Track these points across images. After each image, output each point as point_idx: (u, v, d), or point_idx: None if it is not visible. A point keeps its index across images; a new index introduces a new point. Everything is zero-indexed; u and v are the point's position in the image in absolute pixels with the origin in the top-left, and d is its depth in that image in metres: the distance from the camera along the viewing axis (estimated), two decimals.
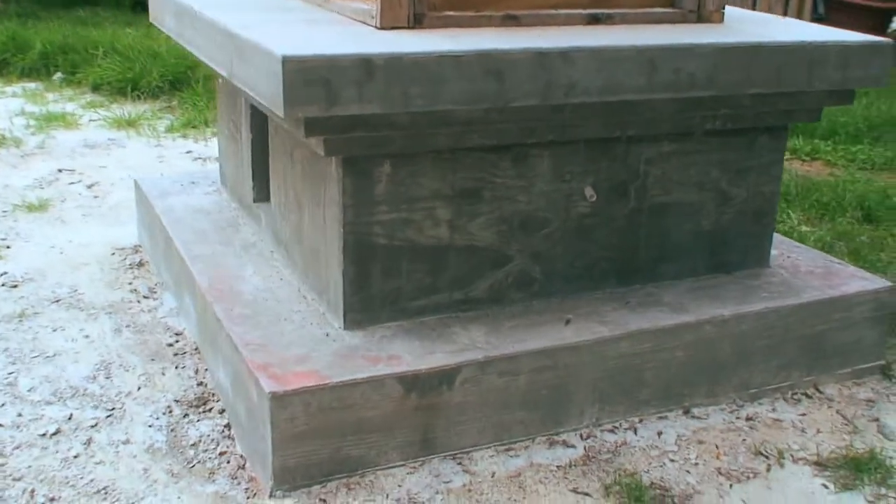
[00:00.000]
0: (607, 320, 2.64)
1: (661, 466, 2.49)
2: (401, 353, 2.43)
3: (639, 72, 2.45)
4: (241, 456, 2.47)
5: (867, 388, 2.91)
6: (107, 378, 2.77)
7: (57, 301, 3.25)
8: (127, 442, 2.50)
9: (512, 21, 2.62)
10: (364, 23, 2.57)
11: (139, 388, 2.73)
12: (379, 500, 2.30)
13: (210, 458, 2.46)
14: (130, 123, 5.34)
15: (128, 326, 3.07)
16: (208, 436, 2.55)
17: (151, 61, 6.10)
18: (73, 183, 4.41)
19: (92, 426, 2.55)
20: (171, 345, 2.97)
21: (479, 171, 2.56)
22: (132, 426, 2.56)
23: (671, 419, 2.69)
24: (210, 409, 2.65)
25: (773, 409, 2.78)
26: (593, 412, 2.61)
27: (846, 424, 2.72)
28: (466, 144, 2.48)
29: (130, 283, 3.43)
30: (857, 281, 2.95)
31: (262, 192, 3.19)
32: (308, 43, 2.27)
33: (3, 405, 2.62)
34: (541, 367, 2.50)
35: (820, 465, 2.53)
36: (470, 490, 2.35)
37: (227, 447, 2.50)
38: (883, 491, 2.42)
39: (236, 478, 2.39)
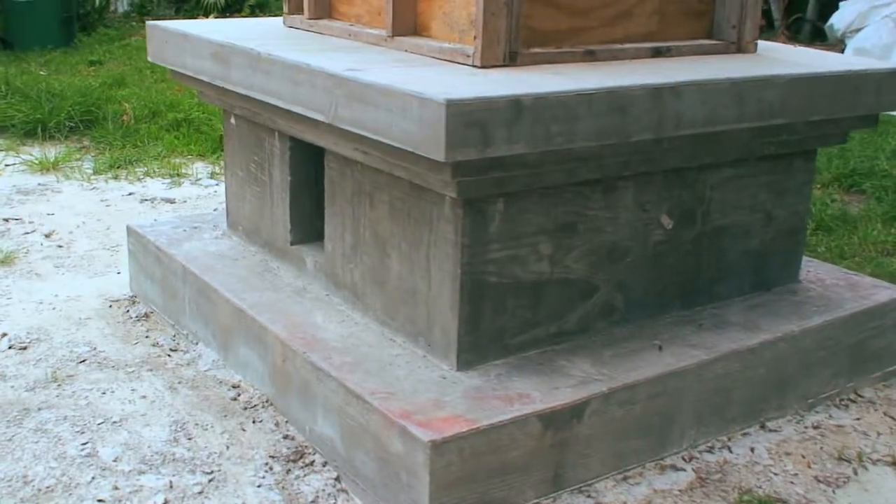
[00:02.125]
0: (695, 343, 2.73)
1: (769, 481, 2.59)
2: (528, 391, 2.43)
3: (732, 103, 2.56)
4: None
5: None
6: (189, 439, 2.62)
7: (82, 361, 3.04)
8: None
9: (591, 56, 2.68)
10: (455, 62, 2.56)
11: (227, 448, 2.60)
12: None
13: None
14: (54, 166, 5.03)
15: (180, 383, 2.91)
16: (323, 490, 2.45)
17: (54, 100, 5.76)
18: (27, 233, 4.12)
19: (199, 493, 2.41)
20: (234, 399, 2.83)
21: (575, 205, 2.59)
22: (240, 488, 2.44)
23: (753, 434, 2.80)
24: (311, 463, 2.56)
25: (830, 417, 2.94)
26: (691, 434, 2.68)
27: None
28: (574, 180, 2.52)
29: (147, 337, 3.25)
30: (883, 290, 3.17)
31: (300, 234, 3.11)
32: (447, 86, 2.25)
33: (93, 479, 2.43)
34: (654, 394, 2.56)
35: None
36: None
37: (347, 501, 2.42)
38: None
39: None
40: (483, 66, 2.49)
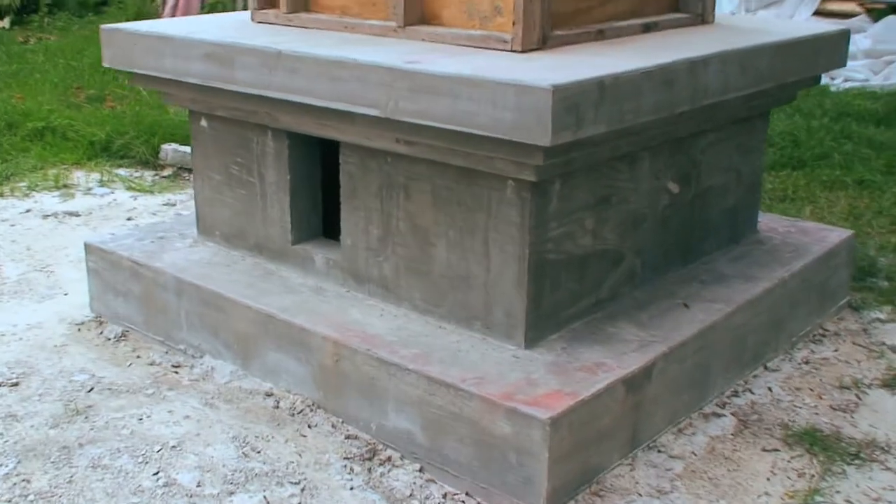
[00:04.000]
0: (712, 298, 2.92)
1: (797, 414, 2.83)
2: (601, 360, 2.54)
3: (741, 71, 2.75)
4: (467, 494, 2.43)
5: (851, 321, 3.46)
6: (258, 453, 2.55)
7: (90, 390, 2.87)
8: None
9: (601, 35, 2.80)
10: (487, 48, 2.61)
11: (300, 455, 2.55)
12: (636, 501, 2.41)
13: None
14: None
15: (212, 399, 2.81)
16: (414, 483, 2.47)
17: None
18: None
19: None
20: (276, 407, 2.77)
21: (610, 179, 2.72)
22: (335, 493, 2.41)
23: (761, 376, 3.04)
24: (388, 459, 2.55)
25: (812, 352, 3.23)
26: (720, 383, 2.88)
27: (871, 352, 3.24)
28: (615, 154, 2.63)
29: (139, 357, 3.10)
30: (830, 233, 3.50)
31: (301, 233, 3.06)
32: (524, 72, 2.30)
33: None
34: (697, 349, 2.73)
35: (888, 386, 3.02)
36: (694, 471, 2.54)
37: (444, 490, 2.45)
38: None
39: None
40: (523, 51, 2.56)
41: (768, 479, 2.52)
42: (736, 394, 2.92)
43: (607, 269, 2.80)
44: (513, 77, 2.22)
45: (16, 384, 2.90)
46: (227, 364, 2.97)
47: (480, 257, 2.60)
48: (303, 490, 2.41)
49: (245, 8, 7.90)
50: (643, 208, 2.87)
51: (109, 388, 2.88)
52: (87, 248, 3.35)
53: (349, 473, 2.49)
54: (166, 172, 5.06)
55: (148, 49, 3.00)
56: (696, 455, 2.61)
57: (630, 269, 2.89)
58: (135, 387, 2.89)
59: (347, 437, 2.64)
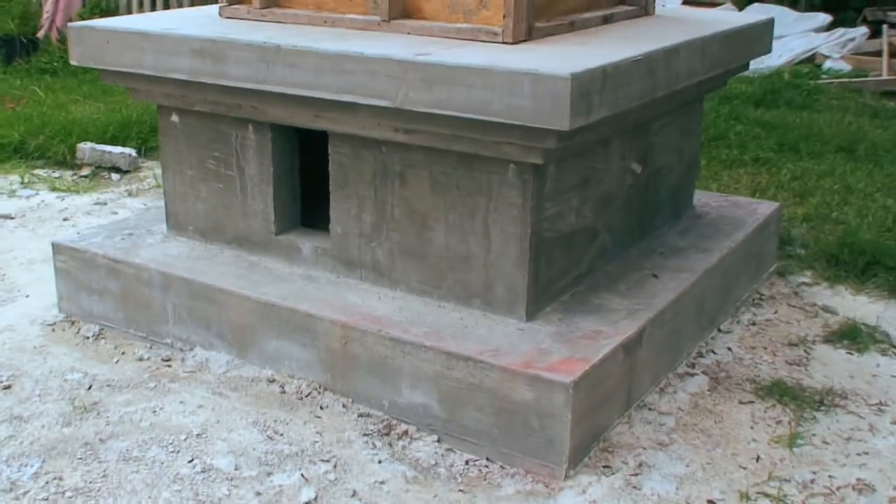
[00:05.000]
0: (677, 269, 3.17)
1: (759, 370, 3.11)
2: (597, 328, 2.74)
3: (701, 58, 3.00)
4: (488, 459, 2.59)
5: (782, 286, 3.79)
6: (280, 435, 2.63)
7: (89, 388, 2.87)
8: (383, 482, 2.47)
9: (572, 27, 3.00)
10: (477, 40, 2.76)
11: (321, 435, 2.65)
12: (642, 454, 2.62)
13: (465, 471, 2.55)
14: None
15: (218, 387, 2.86)
16: (435, 453, 2.61)
17: None
18: None
19: (335, 480, 2.47)
20: (283, 392, 2.85)
21: (591, 161, 2.92)
22: (366, 466, 2.52)
23: (718, 338, 3.31)
24: (405, 433, 2.68)
25: (755, 314, 3.53)
26: (688, 345, 3.14)
27: (807, 313, 3.56)
28: (597, 138, 2.83)
29: (123, 354, 3.11)
30: (760, 205, 3.82)
31: (284, 224, 3.14)
32: (534, 61, 2.46)
33: (230, 491, 2.39)
34: (674, 314, 2.97)
35: (829, 341, 3.34)
36: (685, 425, 2.77)
37: (466, 458, 2.60)
38: (883, 347, 3.30)
39: (513, 476, 2.53)
40: (514, 43, 2.72)
41: (752, 428, 2.78)
42: (701, 354, 3.18)
43: (587, 245, 3.00)
44: (527, 66, 2.39)
45: (8, 387, 2.88)
46: (221, 355, 3.02)
47: (480, 238, 2.76)
48: (335, 466, 2.52)
49: (129, 9, 7.77)
50: (613, 188, 3.09)
51: (108, 385, 2.89)
52: (56, 247, 3.32)
53: (373, 448, 2.61)
54: (85, 172, 4.98)
55: (124, 46, 3.01)
56: (682, 410, 2.85)
57: (603, 244, 3.10)
58: (133, 382, 2.91)
59: (361, 416, 2.75)
